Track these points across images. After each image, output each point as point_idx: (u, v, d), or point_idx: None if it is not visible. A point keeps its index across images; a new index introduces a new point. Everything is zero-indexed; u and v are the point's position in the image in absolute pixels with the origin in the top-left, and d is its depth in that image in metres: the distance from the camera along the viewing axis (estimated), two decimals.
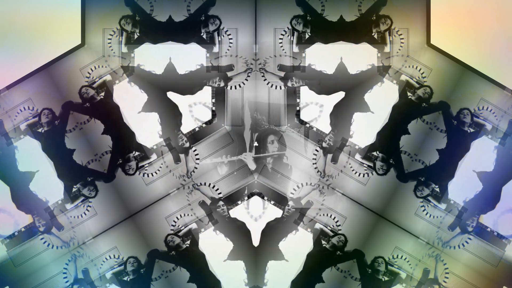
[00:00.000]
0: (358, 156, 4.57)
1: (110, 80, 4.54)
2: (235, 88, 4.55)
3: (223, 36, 4.56)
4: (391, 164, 4.49)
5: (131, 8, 4.51)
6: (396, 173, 4.51)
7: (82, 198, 4.51)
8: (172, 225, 4.57)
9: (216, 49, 4.57)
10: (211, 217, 4.60)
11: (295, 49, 4.57)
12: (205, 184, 4.57)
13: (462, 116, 4.45)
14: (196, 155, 4.56)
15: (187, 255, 4.57)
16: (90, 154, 4.50)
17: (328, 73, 4.57)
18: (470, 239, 4.51)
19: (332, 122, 4.55)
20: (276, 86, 4.55)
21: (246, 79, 4.54)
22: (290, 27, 4.55)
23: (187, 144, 4.57)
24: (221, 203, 4.58)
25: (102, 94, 4.51)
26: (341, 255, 4.53)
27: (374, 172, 4.53)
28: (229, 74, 4.56)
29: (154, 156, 4.57)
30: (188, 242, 4.57)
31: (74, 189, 4.49)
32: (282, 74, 4.55)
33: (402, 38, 4.54)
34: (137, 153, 4.53)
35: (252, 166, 4.57)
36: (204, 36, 4.55)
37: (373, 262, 4.52)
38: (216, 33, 4.56)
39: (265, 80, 4.54)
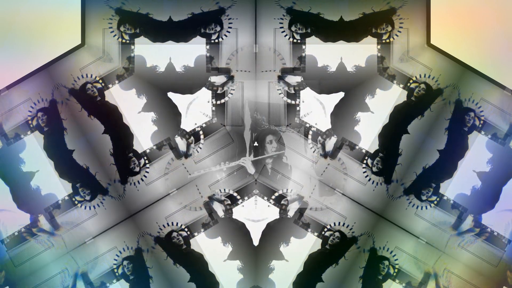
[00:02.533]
0: (358, 156, 4.58)
1: (110, 80, 4.54)
2: (230, 95, 4.57)
3: (222, 38, 4.57)
4: (385, 164, 4.51)
5: (123, 14, 4.53)
6: (384, 175, 4.52)
7: (82, 198, 4.52)
8: (173, 225, 4.58)
9: (216, 49, 4.59)
10: (211, 217, 4.60)
11: (295, 49, 4.58)
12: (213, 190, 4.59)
13: (467, 119, 4.45)
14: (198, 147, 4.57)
15: (187, 255, 4.57)
16: (91, 154, 4.50)
17: (329, 70, 4.57)
18: (471, 242, 4.52)
19: (333, 122, 4.56)
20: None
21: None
22: (289, 29, 4.56)
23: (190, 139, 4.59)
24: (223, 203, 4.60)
25: (102, 94, 4.52)
26: (339, 249, 4.55)
27: (371, 172, 4.54)
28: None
29: (154, 156, 4.58)
30: (188, 242, 4.58)
31: (74, 190, 4.51)
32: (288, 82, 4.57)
33: (403, 38, 4.55)
34: (137, 153, 4.55)
35: (251, 170, 4.57)
36: (205, 36, 4.57)
37: (378, 263, 4.54)
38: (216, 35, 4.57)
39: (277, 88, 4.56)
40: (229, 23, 4.54)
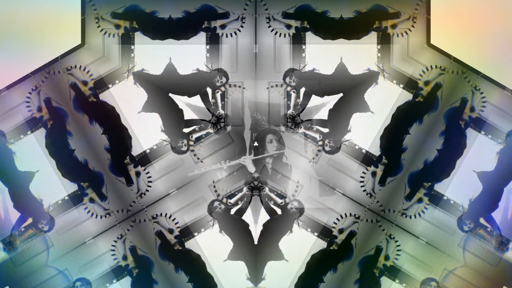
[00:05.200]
0: (358, 156, 4.58)
1: (110, 80, 4.55)
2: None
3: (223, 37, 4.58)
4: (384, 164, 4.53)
5: (123, 13, 4.54)
6: (381, 174, 4.53)
7: (83, 198, 4.53)
8: (173, 225, 4.58)
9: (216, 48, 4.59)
10: (211, 217, 4.60)
11: (295, 49, 4.58)
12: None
13: (466, 119, 4.46)
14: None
15: (186, 255, 4.57)
16: (91, 154, 4.50)
17: (328, 73, 4.57)
18: (471, 241, 4.53)
19: (331, 123, 4.56)
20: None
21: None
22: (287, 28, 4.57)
23: (185, 147, 4.58)
24: (217, 203, 4.59)
25: (102, 94, 4.53)
26: (342, 252, 4.56)
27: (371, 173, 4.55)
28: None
29: (154, 156, 4.58)
30: (187, 242, 4.58)
31: (75, 189, 4.52)
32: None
33: (403, 38, 4.56)
34: (137, 154, 4.55)
35: (251, 169, 4.57)
36: (204, 35, 4.57)
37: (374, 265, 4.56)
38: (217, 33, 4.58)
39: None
40: (234, 29, 4.57)
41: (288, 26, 4.55)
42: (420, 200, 4.53)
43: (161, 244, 4.57)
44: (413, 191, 4.53)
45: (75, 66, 4.51)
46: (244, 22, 4.54)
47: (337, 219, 4.57)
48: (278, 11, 4.54)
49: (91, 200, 4.53)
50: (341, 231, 4.57)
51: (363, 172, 4.56)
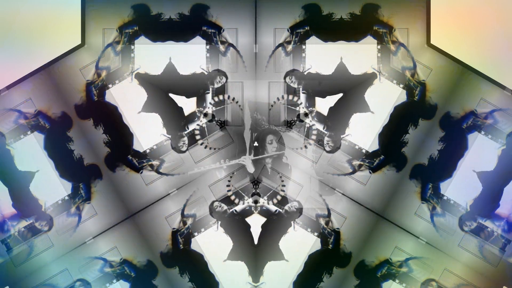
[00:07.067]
0: (357, 156, 4.58)
1: (110, 80, 4.55)
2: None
3: (223, 38, 4.58)
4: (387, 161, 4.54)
5: (123, 14, 4.54)
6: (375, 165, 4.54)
7: (82, 198, 4.53)
8: (173, 225, 4.58)
9: (216, 49, 4.59)
10: (211, 216, 4.60)
11: (295, 49, 4.58)
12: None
13: (467, 119, 4.47)
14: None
15: (187, 255, 4.57)
16: (91, 153, 4.51)
17: (328, 73, 4.58)
18: (468, 238, 4.53)
19: (331, 122, 4.56)
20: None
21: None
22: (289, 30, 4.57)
23: (185, 147, 4.58)
24: (218, 203, 4.59)
25: (102, 94, 4.53)
26: (341, 255, 4.55)
27: (372, 171, 4.55)
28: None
29: (154, 156, 4.58)
30: (188, 242, 4.58)
31: (74, 189, 4.52)
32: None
33: (403, 38, 4.55)
34: (137, 153, 4.56)
35: (251, 169, 4.57)
36: (204, 36, 4.57)
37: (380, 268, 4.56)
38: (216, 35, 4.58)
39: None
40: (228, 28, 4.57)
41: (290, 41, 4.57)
42: (428, 200, 4.53)
43: (162, 243, 4.57)
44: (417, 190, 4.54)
45: (75, 67, 4.51)
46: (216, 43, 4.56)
47: (337, 220, 4.58)
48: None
49: (89, 200, 4.53)
50: (339, 231, 4.58)
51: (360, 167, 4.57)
